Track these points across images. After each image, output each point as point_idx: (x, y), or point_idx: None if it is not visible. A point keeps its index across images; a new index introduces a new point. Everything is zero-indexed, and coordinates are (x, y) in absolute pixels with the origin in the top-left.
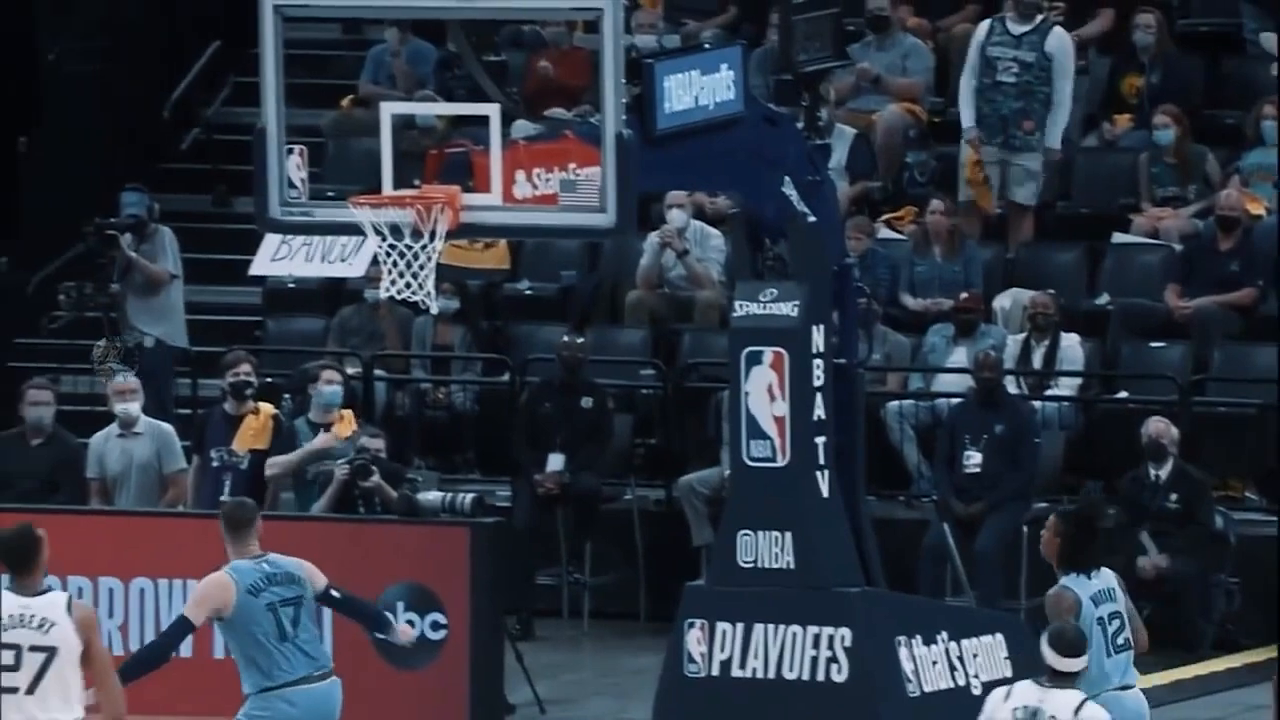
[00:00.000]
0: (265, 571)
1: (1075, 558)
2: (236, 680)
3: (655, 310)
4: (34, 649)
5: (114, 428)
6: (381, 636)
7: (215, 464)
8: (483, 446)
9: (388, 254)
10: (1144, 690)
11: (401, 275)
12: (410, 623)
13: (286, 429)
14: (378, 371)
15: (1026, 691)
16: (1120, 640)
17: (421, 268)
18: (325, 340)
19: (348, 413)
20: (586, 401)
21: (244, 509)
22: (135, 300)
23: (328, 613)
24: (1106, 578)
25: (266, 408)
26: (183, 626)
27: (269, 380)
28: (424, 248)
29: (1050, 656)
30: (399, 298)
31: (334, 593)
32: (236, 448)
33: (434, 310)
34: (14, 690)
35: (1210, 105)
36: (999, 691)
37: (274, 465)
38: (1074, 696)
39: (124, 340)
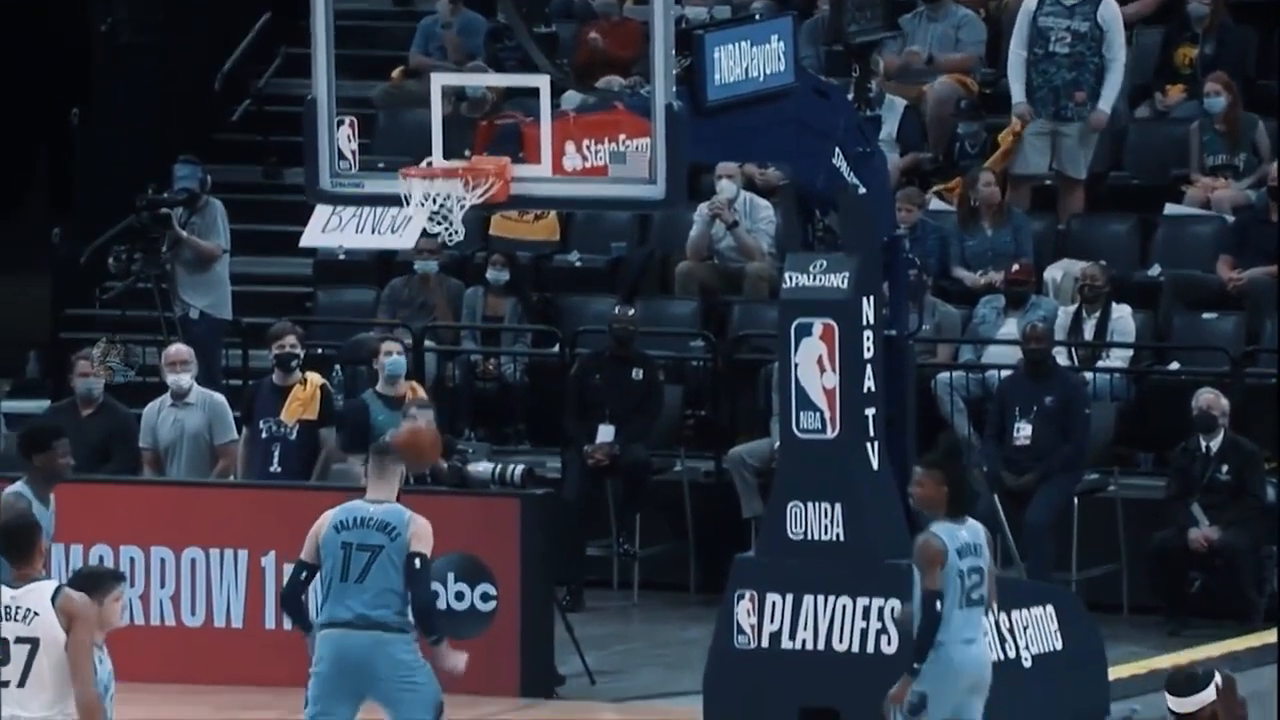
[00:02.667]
0: (364, 514)
1: (957, 503)
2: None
3: (705, 282)
4: (19, 641)
5: (167, 398)
6: (432, 639)
7: (264, 435)
8: (533, 418)
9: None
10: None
11: (435, 215)
12: (460, 594)
13: (357, 402)
14: (428, 343)
15: None
16: (975, 596)
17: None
18: (375, 311)
19: (415, 384)
20: (636, 373)
21: (389, 453)
22: (184, 273)
23: None
24: (975, 531)
25: (314, 378)
26: (297, 567)
27: (320, 351)
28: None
29: (1169, 700)
30: (431, 232)
31: (415, 563)
32: (285, 418)
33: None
34: (6, 684)
35: (1264, 75)
36: None
37: None
38: None
39: (125, 341)
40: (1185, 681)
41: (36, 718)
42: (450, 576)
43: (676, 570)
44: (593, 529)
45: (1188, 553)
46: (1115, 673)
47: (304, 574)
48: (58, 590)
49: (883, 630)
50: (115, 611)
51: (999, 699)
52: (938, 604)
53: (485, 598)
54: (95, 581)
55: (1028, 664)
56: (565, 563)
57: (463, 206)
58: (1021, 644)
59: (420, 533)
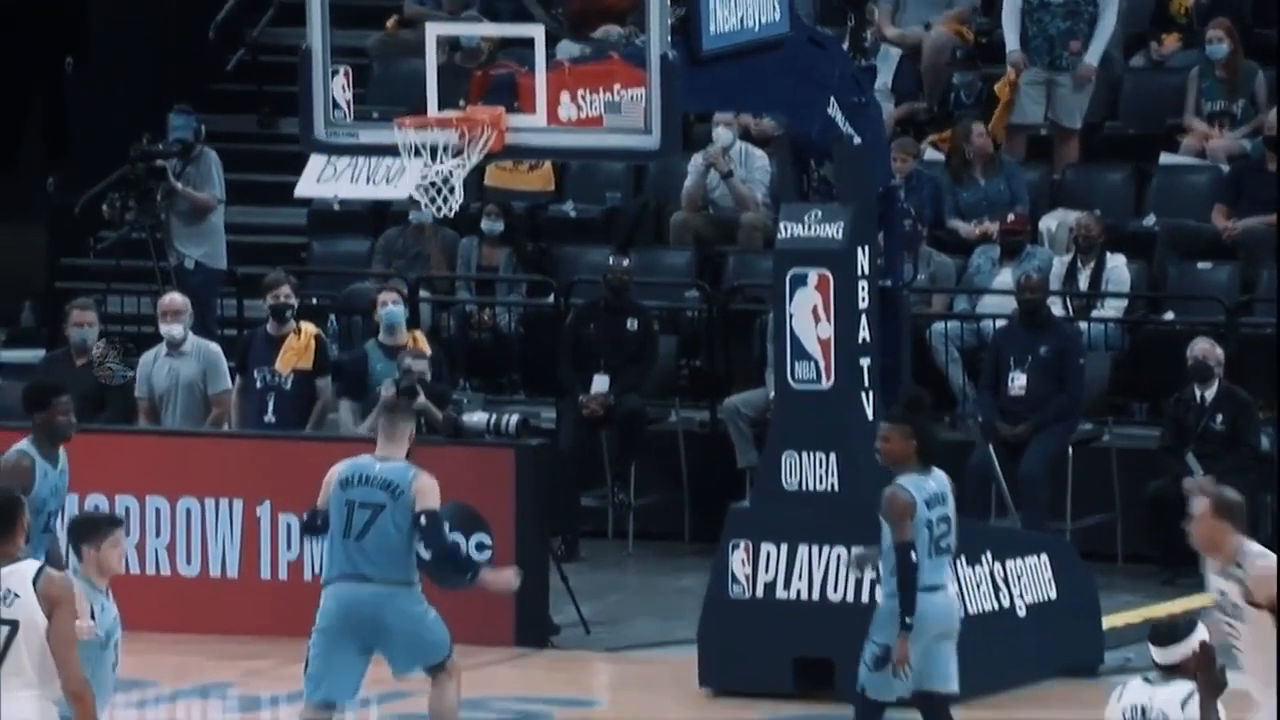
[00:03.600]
0: (369, 472)
1: (925, 454)
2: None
3: (700, 232)
4: None
5: (162, 347)
6: (467, 578)
7: (258, 385)
8: (528, 368)
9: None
10: (1191, 611)
11: (433, 185)
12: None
13: (358, 352)
14: (423, 293)
15: (1136, 690)
16: (944, 545)
17: (451, 175)
18: (370, 261)
19: (418, 333)
20: (631, 323)
21: (400, 410)
22: (178, 223)
23: None
24: (941, 480)
25: (308, 327)
26: (311, 514)
27: (314, 301)
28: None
29: (1152, 650)
30: (428, 206)
31: (422, 520)
32: (279, 368)
33: (437, 213)
34: None
35: (1261, 23)
36: (1114, 693)
37: None
38: (1180, 690)
39: (122, 341)
40: (1168, 632)
41: (18, 697)
42: (445, 526)
43: (671, 520)
44: (587, 479)
45: (1182, 502)
46: (1109, 622)
47: (319, 520)
48: (39, 572)
49: (877, 580)
50: (114, 557)
51: (994, 648)
52: (911, 554)
53: (480, 547)
54: (92, 527)
55: (1022, 614)
56: (560, 513)
57: (463, 167)
58: (1016, 593)
59: (424, 489)
